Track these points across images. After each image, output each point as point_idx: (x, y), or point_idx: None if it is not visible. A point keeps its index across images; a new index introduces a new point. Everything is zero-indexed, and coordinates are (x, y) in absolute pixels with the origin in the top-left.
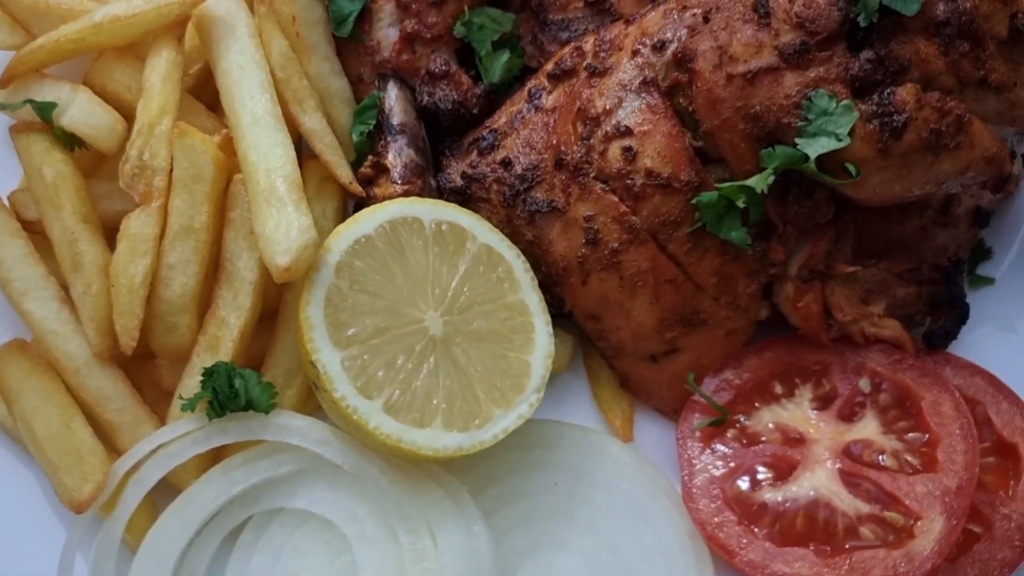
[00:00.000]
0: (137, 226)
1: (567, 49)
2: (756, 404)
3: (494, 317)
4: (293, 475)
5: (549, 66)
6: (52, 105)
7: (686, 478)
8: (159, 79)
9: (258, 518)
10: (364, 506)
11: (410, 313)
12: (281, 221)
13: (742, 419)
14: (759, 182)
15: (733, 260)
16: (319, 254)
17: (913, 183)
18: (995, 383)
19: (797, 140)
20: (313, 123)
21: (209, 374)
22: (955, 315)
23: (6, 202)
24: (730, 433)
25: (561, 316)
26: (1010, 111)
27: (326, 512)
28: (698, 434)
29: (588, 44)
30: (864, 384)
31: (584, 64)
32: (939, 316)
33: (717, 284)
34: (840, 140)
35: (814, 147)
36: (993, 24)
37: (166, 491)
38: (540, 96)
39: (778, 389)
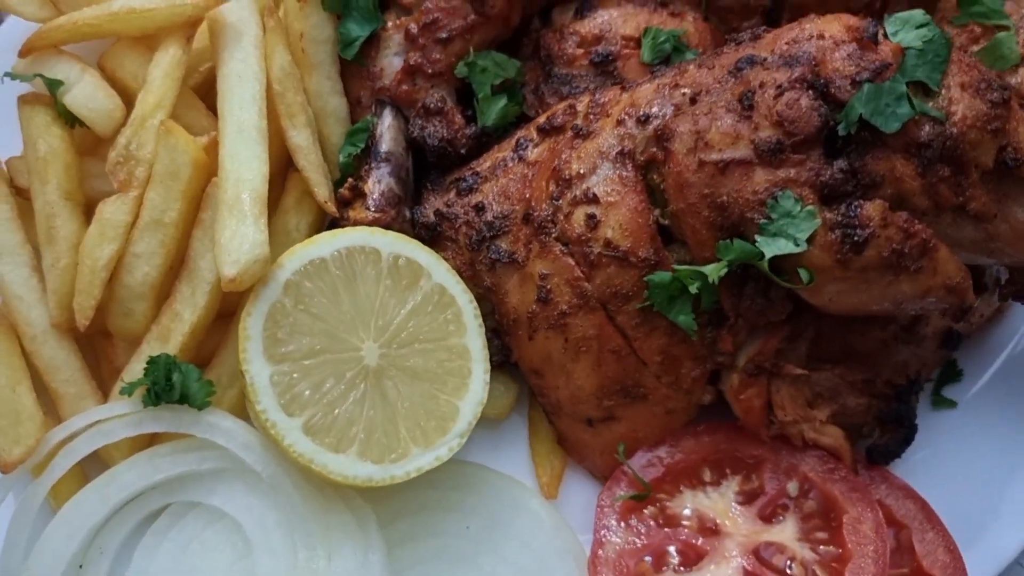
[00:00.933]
0: (111, 212)
1: (562, 105)
2: (681, 487)
3: (432, 357)
4: (215, 473)
5: (541, 119)
6: (59, 83)
7: (595, 546)
8: (160, 74)
9: (176, 507)
10: (273, 516)
11: (349, 340)
12: (237, 232)
13: (664, 499)
14: (713, 272)
15: (680, 342)
16: (271, 269)
17: (871, 298)
18: (926, 510)
19: (757, 237)
20: (300, 139)
21: (151, 363)
22: (901, 434)
23: (3, 166)
24: (649, 510)
25: (508, 364)
26: (988, 242)
27: (237, 515)
28: (617, 505)
29: (582, 104)
30: (792, 487)
31: (572, 123)
32: (886, 432)
33: (661, 363)
34: (797, 245)
35: (771, 247)
36: (979, 153)
37: (100, 465)
38: (527, 147)
39: (707, 476)
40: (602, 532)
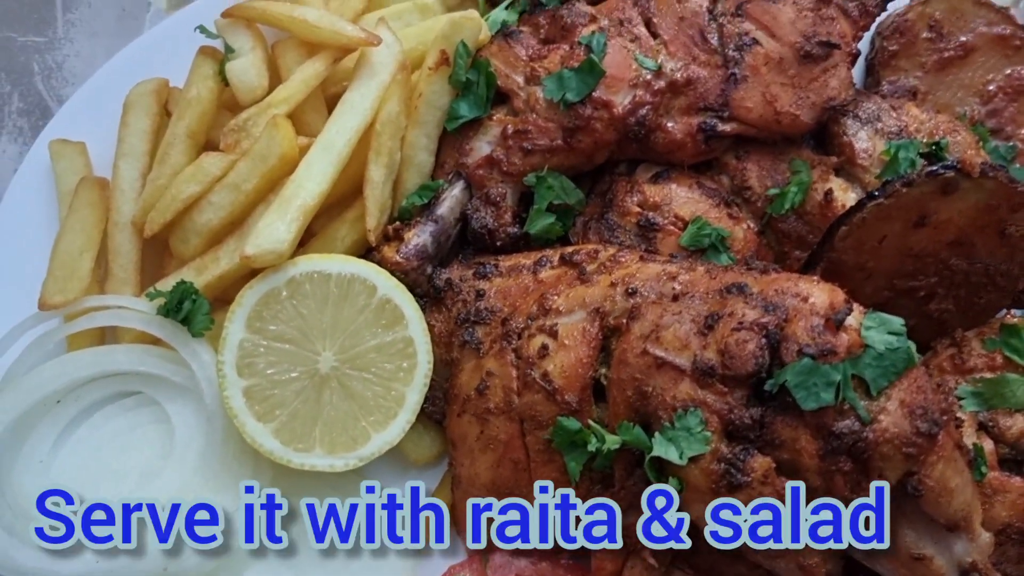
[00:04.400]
0: (208, 162)
1: (589, 247)
2: None
3: (371, 388)
4: (182, 388)
5: (568, 249)
6: (232, 50)
7: None
8: (300, 78)
9: (143, 397)
10: (199, 441)
11: (314, 343)
12: (271, 223)
13: None
14: (609, 442)
15: (569, 483)
16: (285, 263)
17: None
18: None
19: (656, 434)
20: (376, 174)
21: (176, 285)
22: None
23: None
24: None
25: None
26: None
27: (178, 427)
28: None
29: (604, 254)
30: None
31: (585, 266)
32: None
33: None
34: (680, 459)
35: (659, 448)
36: (887, 467)
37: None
38: (544, 266)
39: None
40: None
